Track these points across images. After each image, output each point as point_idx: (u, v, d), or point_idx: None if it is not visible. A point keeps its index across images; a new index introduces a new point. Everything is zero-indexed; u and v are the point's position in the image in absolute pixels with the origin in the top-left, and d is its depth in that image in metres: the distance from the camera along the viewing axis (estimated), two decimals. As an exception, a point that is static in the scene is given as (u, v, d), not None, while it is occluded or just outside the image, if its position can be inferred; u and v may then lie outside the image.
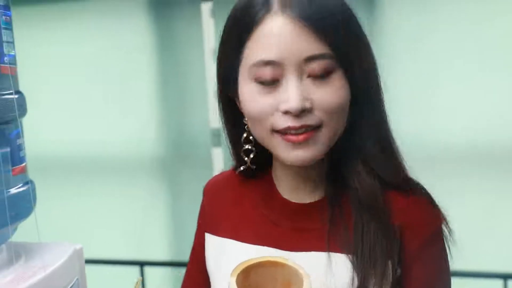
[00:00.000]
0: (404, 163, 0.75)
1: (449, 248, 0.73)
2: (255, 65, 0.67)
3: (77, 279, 0.86)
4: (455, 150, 1.81)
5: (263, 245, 0.76)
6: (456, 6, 1.78)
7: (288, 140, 0.68)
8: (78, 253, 0.88)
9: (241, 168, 0.80)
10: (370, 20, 1.84)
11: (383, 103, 0.74)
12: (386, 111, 0.74)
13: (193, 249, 0.91)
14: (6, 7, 0.77)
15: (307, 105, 0.66)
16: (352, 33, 0.68)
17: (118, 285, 1.77)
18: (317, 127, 0.67)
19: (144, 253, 2.13)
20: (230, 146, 0.81)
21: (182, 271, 2.54)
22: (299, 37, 0.64)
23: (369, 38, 0.72)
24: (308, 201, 0.76)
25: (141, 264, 2.16)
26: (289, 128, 0.67)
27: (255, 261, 0.64)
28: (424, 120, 1.80)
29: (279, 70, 0.66)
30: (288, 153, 0.69)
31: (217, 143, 2.00)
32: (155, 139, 2.19)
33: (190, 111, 2.13)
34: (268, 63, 0.66)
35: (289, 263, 0.63)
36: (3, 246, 0.84)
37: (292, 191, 0.77)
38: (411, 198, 0.73)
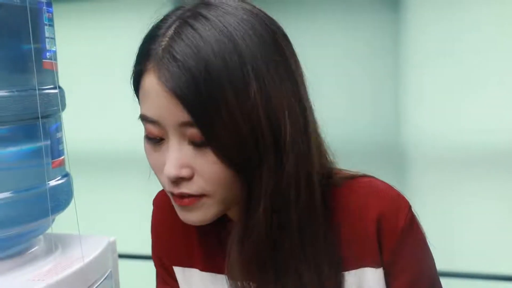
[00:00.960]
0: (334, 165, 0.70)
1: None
2: (141, 118, 0.64)
3: (110, 271, 0.88)
4: (480, 153, 1.81)
5: (208, 271, 0.75)
6: (483, 9, 1.78)
7: (175, 201, 0.65)
8: (112, 245, 0.90)
9: None
10: (396, 23, 1.84)
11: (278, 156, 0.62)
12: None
13: None
14: (49, 4, 0.79)
15: (184, 173, 0.61)
16: (228, 112, 0.57)
17: (135, 280, 1.79)
18: (201, 195, 0.62)
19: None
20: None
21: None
22: (169, 103, 0.58)
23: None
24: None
25: (161, 259, 2.19)
26: (171, 193, 0.64)
27: None
28: (451, 122, 1.80)
29: (161, 129, 0.61)
30: (179, 213, 0.66)
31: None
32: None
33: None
34: (150, 120, 0.61)
35: None
36: (41, 237, 0.87)
37: (233, 212, 0.71)
38: (370, 182, 0.69)
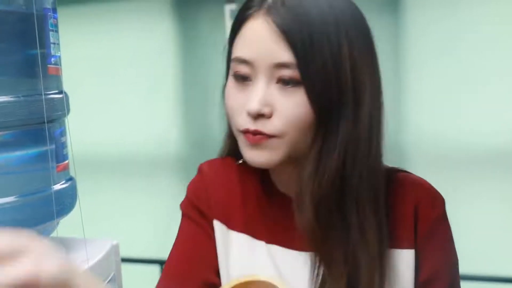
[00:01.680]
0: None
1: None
2: (233, 60, 0.69)
3: (113, 274, 0.89)
4: (480, 153, 1.82)
5: (273, 243, 0.76)
6: (481, 9, 1.79)
7: (246, 139, 0.68)
8: (115, 249, 0.91)
9: (240, 161, 0.77)
10: (395, 23, 1.85)
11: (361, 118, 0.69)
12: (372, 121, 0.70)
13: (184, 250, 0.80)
14: (54, 10, 0.80)
15: (266, 110, 0.66)
16: (322, 53, 0.66)
17: (138, 284, 1.80)
18: (276, 136, 0.67)
19: (164, 252, 2.16)
20: (226, 141, 0.79)
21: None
22: (273, 43, 0.65)
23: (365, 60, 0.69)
24: None
25: (161, 262, 2.19)
26: (247, 130, 0.67)
27: (239, 281, 0.65)
28: (451, 122, 1.81)
29: (252, 69, 0.67)
30: (246, 153, 0.69)
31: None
32: (178, 139, 2.22)
33: (213, 111, 2.15)
34: (243, 61, 0.67)
35: (270, 280, 0.65)
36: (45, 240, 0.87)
37: (288, 186, 0.76)
38: (414, 177, 0.75)
